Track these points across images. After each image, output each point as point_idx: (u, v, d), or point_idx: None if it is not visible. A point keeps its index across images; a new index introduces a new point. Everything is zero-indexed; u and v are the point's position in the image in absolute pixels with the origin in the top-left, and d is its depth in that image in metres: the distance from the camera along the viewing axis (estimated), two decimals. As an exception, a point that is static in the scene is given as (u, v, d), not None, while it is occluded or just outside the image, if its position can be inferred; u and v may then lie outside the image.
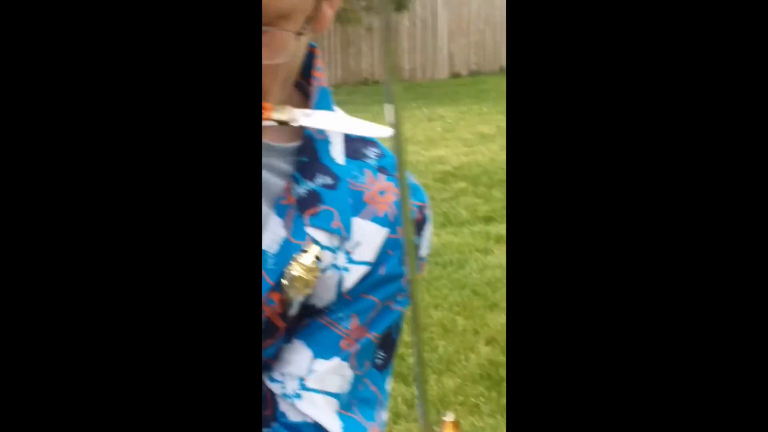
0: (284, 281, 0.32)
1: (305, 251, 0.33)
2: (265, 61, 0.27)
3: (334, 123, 0.32)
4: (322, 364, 0.34)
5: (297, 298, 0.33)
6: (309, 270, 0.32)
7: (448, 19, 7.32)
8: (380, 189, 0.36)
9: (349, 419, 0.34)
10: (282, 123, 0.30)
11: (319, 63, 0.37)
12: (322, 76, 0.36)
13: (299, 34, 0.29)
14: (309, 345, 0.35)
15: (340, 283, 0.35)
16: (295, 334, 0.35)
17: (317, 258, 0.33)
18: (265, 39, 0.27)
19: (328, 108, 0.35)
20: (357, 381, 0.35)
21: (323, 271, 0.33)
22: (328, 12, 0.32)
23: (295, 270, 0.32)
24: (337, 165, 0.35)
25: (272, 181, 0.34)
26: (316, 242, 0.34)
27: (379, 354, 0.37)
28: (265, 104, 0.30)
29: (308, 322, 0.35)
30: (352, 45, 6.75)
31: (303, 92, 0.36)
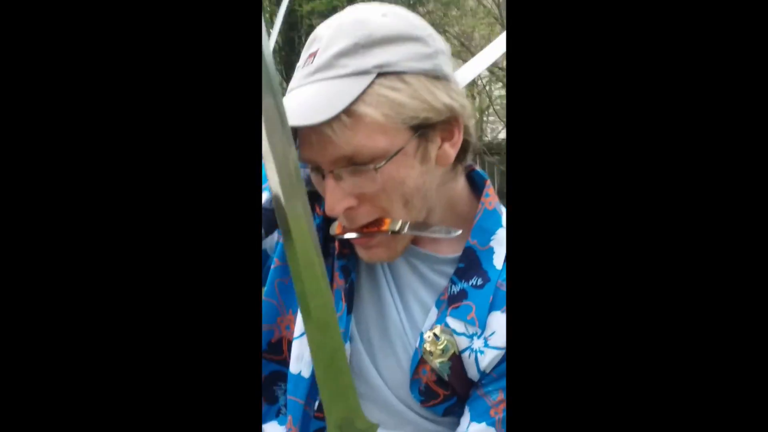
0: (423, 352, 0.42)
1: (431, 330, 0.42)
2: (363, 190, 0.36)
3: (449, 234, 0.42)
4: (474, 427, 0.42)
5: (436, 366, 0.41)
6: (432, 343, 0.41)
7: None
8: None
9: None
10: (394, 233, 0.39)
11: (489, 191, 0.45)
12: (488, 201, 0.44)
13: (376, 168, 0.36)
14: (469, 410, 0.43)
15: (477, 362, 0.42)
16: (466, 399, 0.44)
17: (435, 334, 0.41)
18: (356, 174, 0.36)
19: (493, 226, 0.43)
20: None
21: (462, 351, 0.42)
22: (449, 150, 0.40)
23: (426, 344, 0.41)
24: (494, 269, 0.42)
25: (437, 281, 0.44)
26: (453, 330, 0.42)
27: None
28: (385, 219, 0.38)
29: (473, 392, 0.43)
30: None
31: (464, 215, 0.44)
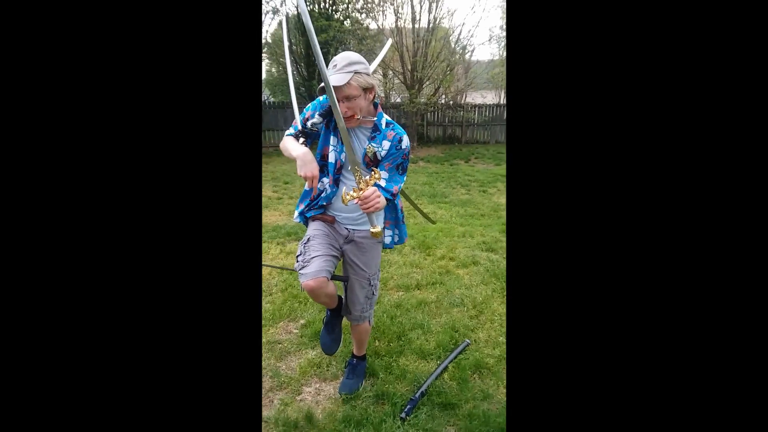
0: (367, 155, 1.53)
1: (367, 148, 1.52)
2: (346, 112, 1.45)
3: (376, 121, 1.54)
4: (378, 171, 1.46)
5: (370, 153, 1.51)
6: (369, 148, 1.51)
7: None
8: (393, 134, 1.52)
9: None
10: (362, 122, 1.51)
11: (379, 108, 1.55)
12: (379, 109, 1.54)
13: (348, 99, 1.44)
14: (380, 168, 1.53)
15: (380, 153, 1.52)
16: (378, 165, 1.54)
17: (369, 147, 1.52)
18: (345, 104, 1.44)
19: (379, 118, 1.53)
20: None
21: (375, 150, 1.52)
22: (370, 96, 1.47)
23: (367, 149, 1.52)
24: (383, 129, 1.52)
25: (362, 137, 1.54)
26: (373, 146, 1.51)
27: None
28: (355, 115, 1.46)
29: (381, 163, 1.54)
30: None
31: (372, 113, 1.54)
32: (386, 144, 1.49)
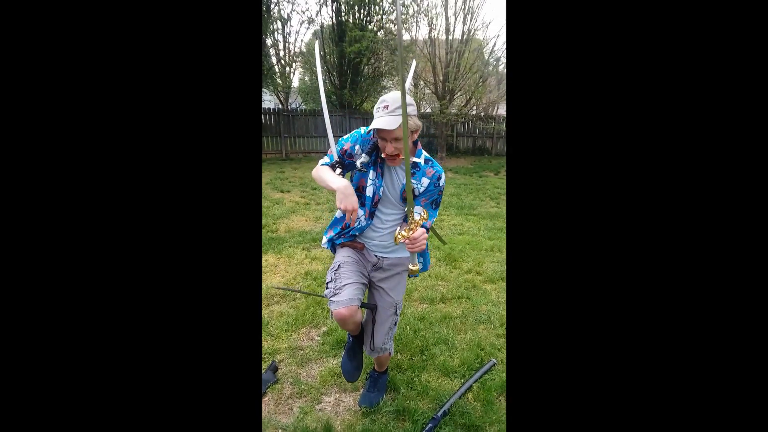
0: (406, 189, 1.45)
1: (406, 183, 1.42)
2: (393, 151, 1.45)
3: (416, 159, 1.56)
4: (417, 207, 1.57)
5: (408, 191, 1.42)
6: (407, 185, 1.38)
7: None
8: (432, 172, 1.55)
9: None
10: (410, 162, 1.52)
11: (419, 146, 1.58)
12: (419, 146, 1.57)
13: (396, 140, 1.44)
14: (416, 203, 1.55)
15: (419, 189, 1.55)
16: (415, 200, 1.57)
17: (410, 184, 1.41)
18: (393, 145, 1.44)
19: (418, 154, 1.56)
20: None
21: (414, 186, 1.54)
22: (415, 136, 1.49)
23: (406, 187, 1.42)
24: (422, 166, 1.55)
25: (401, 174, 1.55)
26: (413, 183, 1.53)
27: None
28: (400, 155, 1.47)
29: (417, 199, 1.57)
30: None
31: (413, 151, 1.55)
32: (425, 181, 1.54)
